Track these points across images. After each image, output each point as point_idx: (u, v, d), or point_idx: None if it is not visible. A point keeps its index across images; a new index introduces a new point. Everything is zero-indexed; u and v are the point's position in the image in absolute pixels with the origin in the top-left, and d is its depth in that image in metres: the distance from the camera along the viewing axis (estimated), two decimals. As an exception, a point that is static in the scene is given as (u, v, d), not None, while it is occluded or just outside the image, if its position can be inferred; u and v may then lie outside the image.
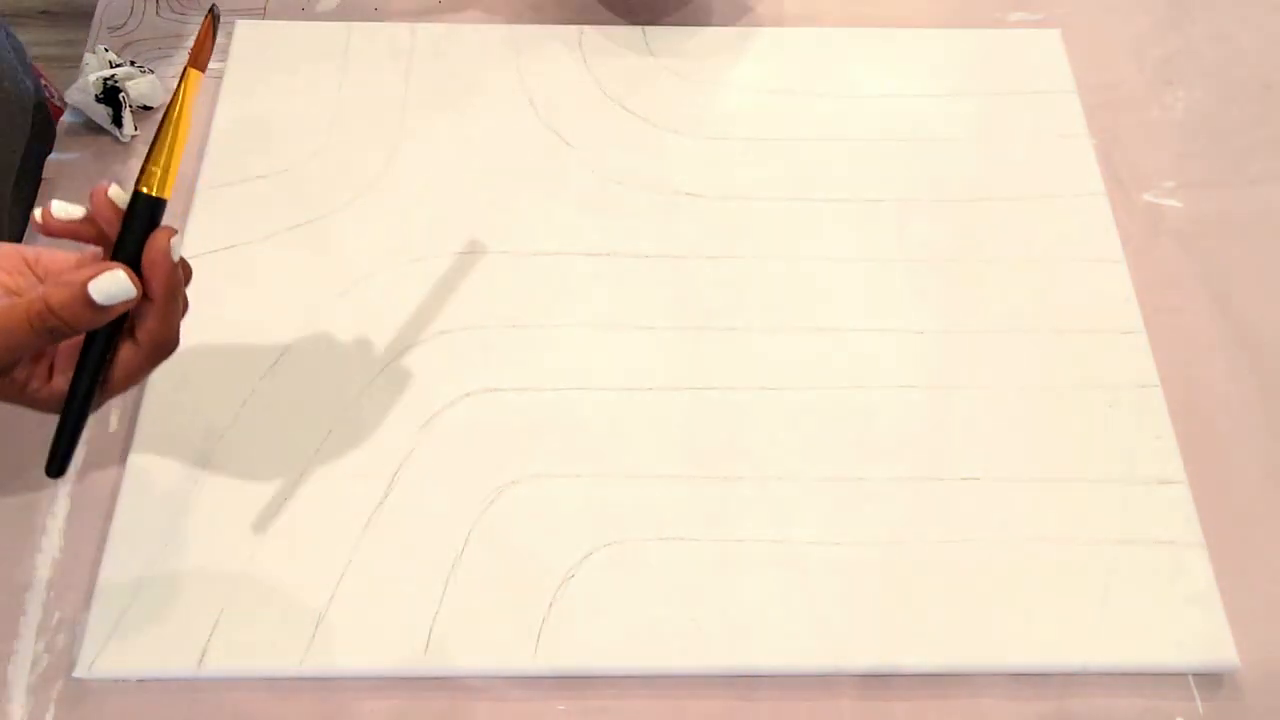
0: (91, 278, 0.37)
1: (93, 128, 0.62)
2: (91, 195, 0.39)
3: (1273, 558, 0.51)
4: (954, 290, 0.57)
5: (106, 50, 0.62)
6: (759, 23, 0.68)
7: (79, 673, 0.46)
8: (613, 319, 0.56)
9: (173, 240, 0.39)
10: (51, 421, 0.40)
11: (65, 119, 0.62)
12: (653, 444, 0.52)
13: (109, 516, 0.50)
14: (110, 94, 0.60)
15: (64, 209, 0.39)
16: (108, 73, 0.61)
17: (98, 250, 0.40)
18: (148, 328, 0.39)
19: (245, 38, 0.66)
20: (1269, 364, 0.56)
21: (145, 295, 0.39)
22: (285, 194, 0.59)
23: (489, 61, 0.65)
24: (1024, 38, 0.68)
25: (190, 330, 0.54)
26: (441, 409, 0.53)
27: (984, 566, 0.49)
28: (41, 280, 0.40)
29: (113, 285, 0.37)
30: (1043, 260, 0.58)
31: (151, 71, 0.63)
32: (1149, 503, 0.51)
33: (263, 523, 0.49)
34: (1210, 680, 0.48)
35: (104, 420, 0.53)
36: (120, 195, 0.39)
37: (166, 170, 0.39)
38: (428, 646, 0.47)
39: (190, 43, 0.66)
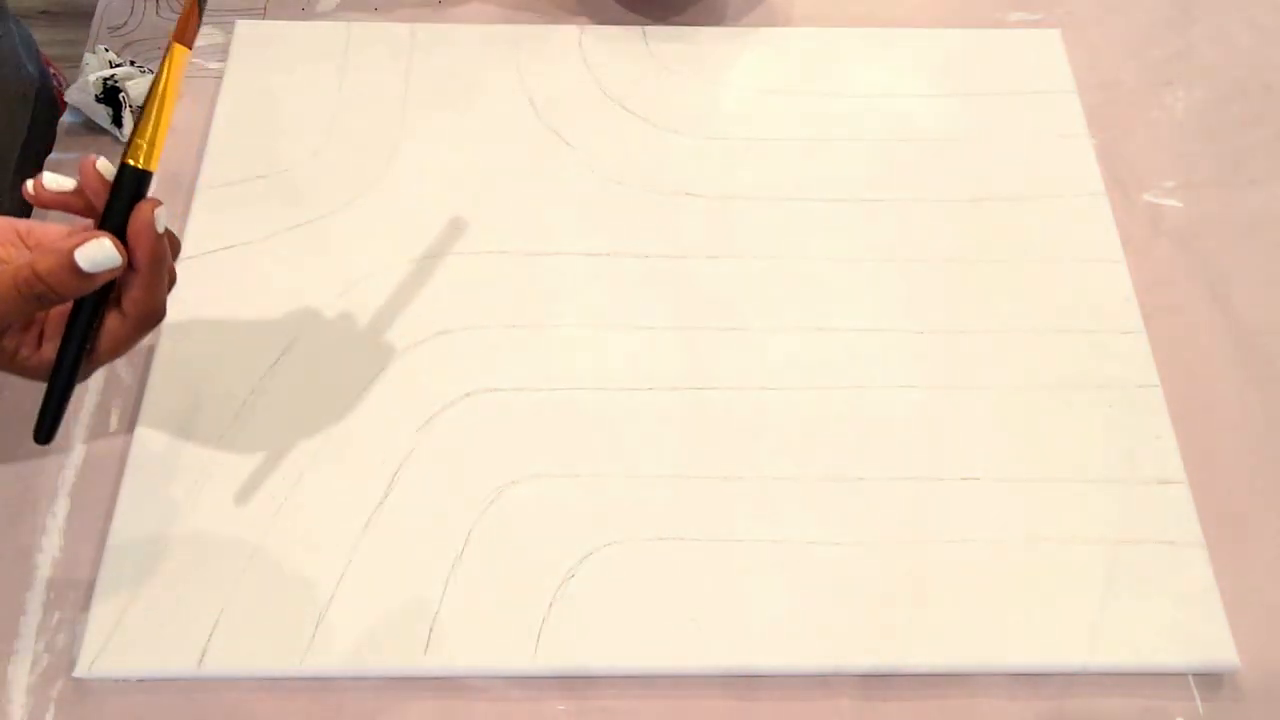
0: (78, 245, 0.38)
1: (93, 128, 0.62)
2: (80, 167, 0.40)
3: (1273, 558, 0.51)
4: (954, 290, 0.57)
5: (106, 50, 0.62)
6: (762, 21, 0.68)
7: (79, 673, 0.46)
8: (613, 319, 0.56)
9: (157, 211, 0.40)
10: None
11: (65, 119, 0.62)
12: (653, 444, 0.52)
13: (109, 516, 0.50)
14: (110, 94, 0.60)
15: (55, 180, 0.40)
16: (108, 73, 0.61)
17: (88, 223, 0.41)
18: (133, 297, 0.40)
19: (245, 38, 0.66)
20: (1269, 364, 0.56)
21: (131, 265, 0.40)
22: (285, 194, 0.59)
23: (489, 61, 0.65)
24: (1024, 38, 0.68)
25: (190, 330, 0.55)
26: (441, 409, 0.53)
27: (984, 566, 0.49)
28: (32, 252, 0.41)
29: (99, 253, 0.38)
30: (1043, 260, 0.58)
31: (152, 71, 0.63)
32: (1149, 503, 0.51)
33: (263, 523, 0.49)
34: (1210, 680, 0.48)
35: (104, 420, 0.53)
36: (108, 168, 0.40)
37: (152, 144, 0.40)
38: (428, 646, 0.47)
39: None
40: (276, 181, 0.60)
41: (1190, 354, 0.56)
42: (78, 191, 0.40)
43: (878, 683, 0.47)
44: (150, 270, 0.40)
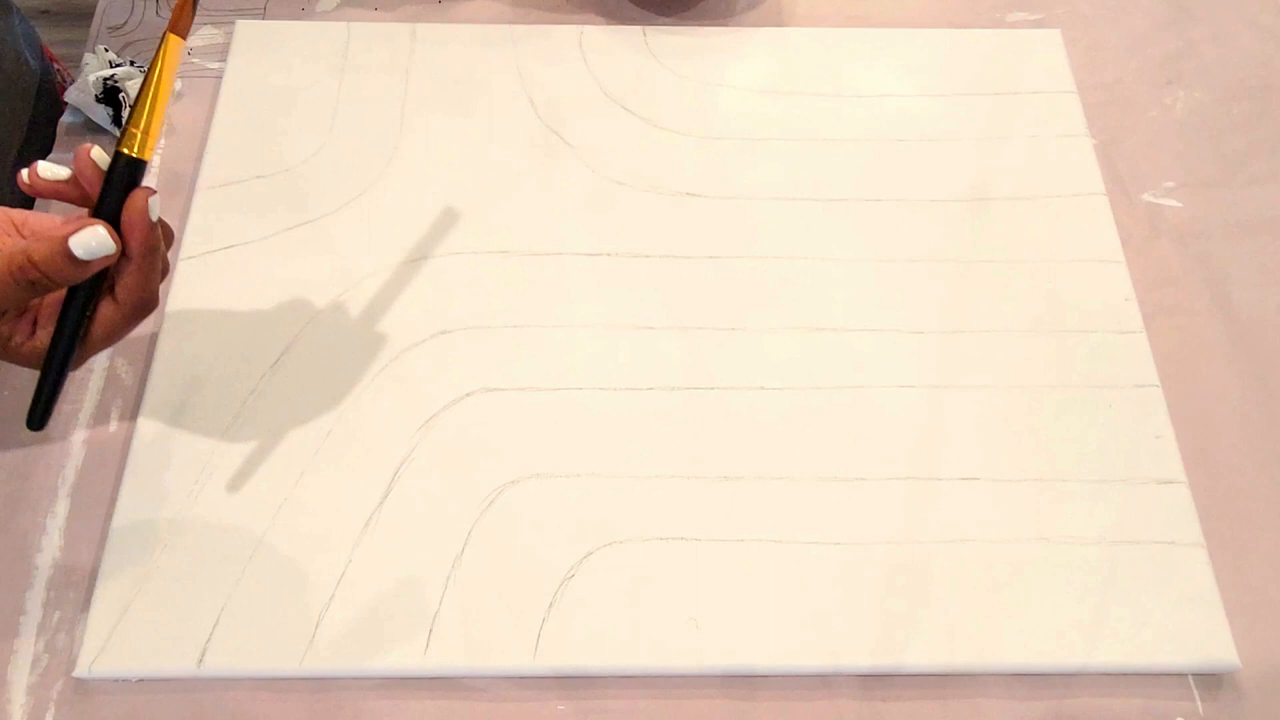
0: (73, 233, 0.38)
1: (93, 128, 0.62)
2: (75, 156, 0.41)
3: (1273, 558, 0.51)
4: (954, 290, 0.57)
5: (106, 50, 0.62)
6: (762, 21, 0.68)
7: (79, 673, 0.46)
8: (613, 319, 0.56)
9: (151, 200, 0.40)
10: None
11: (65, 119, 0.62)
12: (652, 444, 0.52)
13: (109, 517, 0.50)
14: (110, 94, 0.60)
15: (50, 169, 0.41)
16: (108, 73, 0.61)
17: (84, 213, 0.41)
18: (127, 285, 0.41)
19: (245, 37, 0.66)
20: (1269, 364, 0.56)
21: (124, 253, 0.40)
22: (285, 194, 0.59)
23: (489, 61, 0.65)
24: (1024, 38, 0.68)
25: (191, 330, 0.55)
26: (441, 409, 0.53)
27: (984, 566, 0.49)
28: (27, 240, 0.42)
29: (93, 240, 0.38)
30: (1043, 260, 0.58)
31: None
32: (1149, 503, 0.51)
33: (263, 523, 0.49)
34: (1210, 680, 0.48)
35: (104, 421, 0.53)
36: (102, 156, 0.41)
37: (146, 132, 0.41)
38: (428, 646, 0.47)
39: (191, 43, 0.66)
40: (276, 181, 0.60)
41: (1190, 354, 0.56)
42: (72, 180, 0.41)
43: (878, 683, 0.47)
44: (143, 258, 0.41)
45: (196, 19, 0.67)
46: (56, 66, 0.69)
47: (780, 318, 0.56)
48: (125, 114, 0.61)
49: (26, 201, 0.59)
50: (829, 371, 0.54)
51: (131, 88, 0.61)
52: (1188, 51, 0.68)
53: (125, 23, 0.67)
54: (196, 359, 0.54)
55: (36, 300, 0.42)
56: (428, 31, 0.66)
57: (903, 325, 0.56)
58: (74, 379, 0.54)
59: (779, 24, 0.68)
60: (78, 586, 0.48)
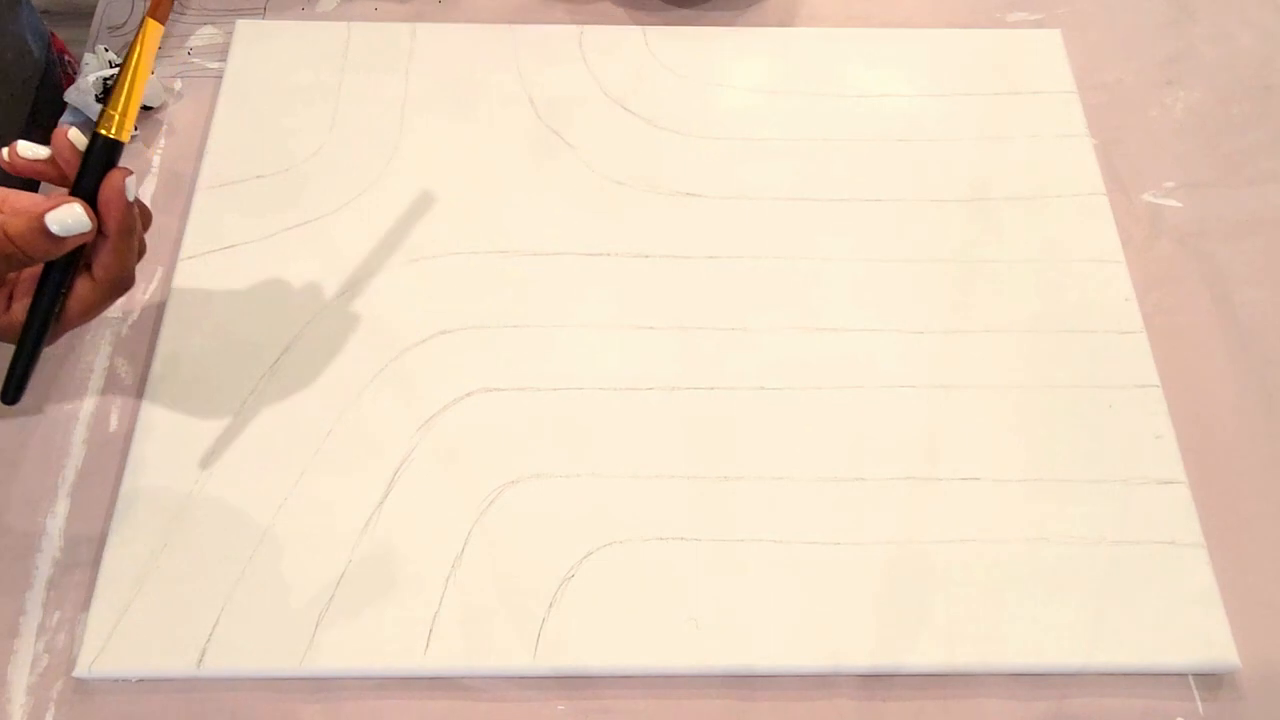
0: (49, 210, 0.39)
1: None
2: (53, 136, 0.42)
3: (1273, 558, 0.51)
4: (954, 290, 0.57)
5: (106, 50, 0.62)
6: (762, 21, 0.68)
7: (79, 673, 0.46)
8: (613, 319, 0.56)
9: (128, 180, 0.41)
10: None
11: (64, 119, 0.62)
12: (653, 444, 0.52)
13: (109, 517, 0.50)
14: (109, 94, 0.60)
15: (29, 149, 0.42)
16: (108, 73, 0.61)
17: (63, 192, 0.42)
18: (103, 263, 0.42)
19: (245, 37, 0.66)
20: (1269, 364, 0.56)
21: (101, 231, 0.41)
22: (285, 194, 0.59)
23: (489, 61, 0.65)
24: (1024, 38, 0.68)
25: (190, 330, 0.55)
26: (441, 409, 0.53)
27: (984, 566, 0.49)
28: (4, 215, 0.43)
29: (69, 217, 0.39)
30: (1043, 260, 0.58)
31: (152, 71, 0.63)
32: (1149, 503, 0.51)
33: (263, 522, 0.49)
34: (1210, 680, 0.48)
35: (104, 420, 0.53)
36: (80, 138, 0.42)
37: (124, 115, 0.42)
38: (428, 646, 0.47)
39: (191, 43, 0.66)
40: (276, 181, 0.60)
41: (1190, 354, 0.56)
42: (51, 160, 0.42)
43: (878, 683, 0.47)
44: (120, 236, 0.41)
45: (196, 19, 0.68)
46: (67, 58, 0.69)
47: (780, 318, 0.56)
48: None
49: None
50: (829, 371, 0.54)
51: (131, 88, 0.61)
52: (1188, 51, 0.68)
53: (125, 23, 0.67)
54: (196, 359, 0.53)
55: (13, 275, 0.43)
56: (428, 31, 0.66)
57: (903, 325, 0.56)
58: (74, 379, 0.54)
59: (780, 22, 0.68)
60: (77, 587, 0.48)
